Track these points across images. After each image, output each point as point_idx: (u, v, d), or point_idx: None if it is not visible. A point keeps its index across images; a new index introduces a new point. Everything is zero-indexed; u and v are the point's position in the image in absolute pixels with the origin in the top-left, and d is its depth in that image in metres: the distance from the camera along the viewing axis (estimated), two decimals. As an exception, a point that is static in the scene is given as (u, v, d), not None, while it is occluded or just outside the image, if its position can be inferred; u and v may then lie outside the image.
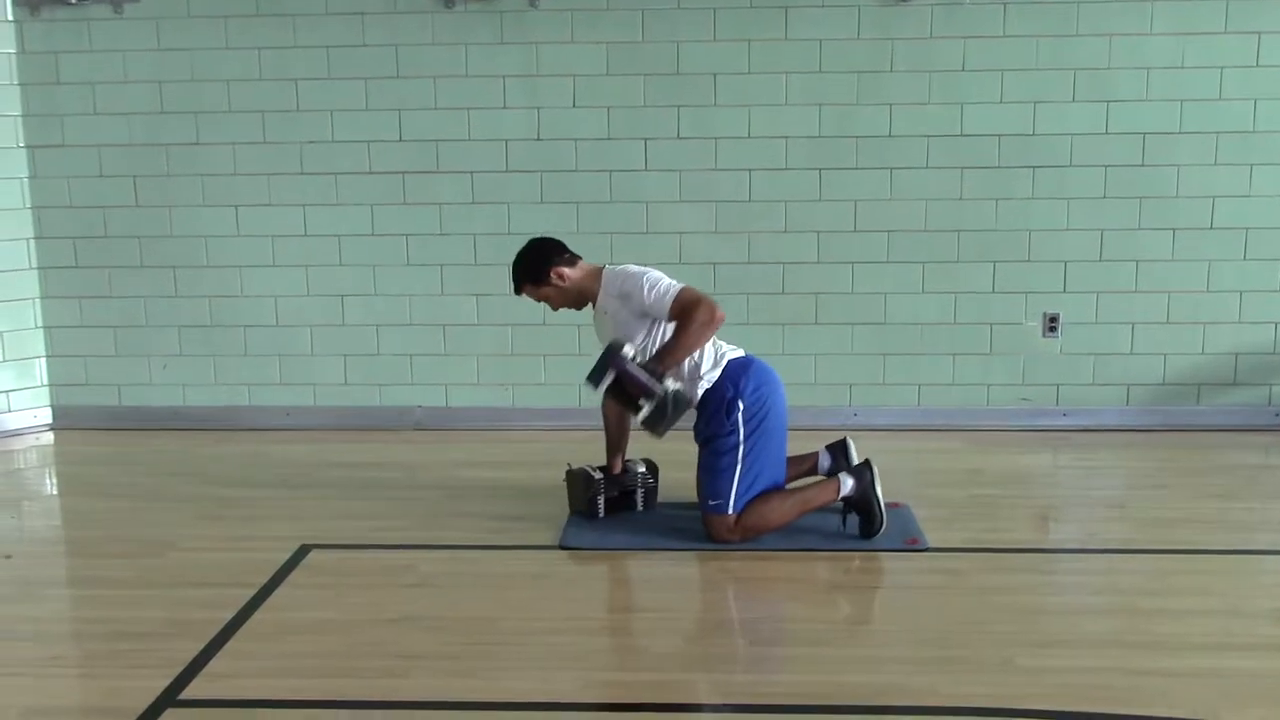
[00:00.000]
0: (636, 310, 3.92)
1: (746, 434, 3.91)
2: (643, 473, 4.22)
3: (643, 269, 3.98)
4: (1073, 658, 3.10)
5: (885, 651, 3.20)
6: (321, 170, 5.41)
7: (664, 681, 3.05)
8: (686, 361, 3.92)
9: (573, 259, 4.08)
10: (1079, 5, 5.12)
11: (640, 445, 4.25)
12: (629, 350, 3.78)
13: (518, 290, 4.12)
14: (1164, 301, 5.35)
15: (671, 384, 3.74)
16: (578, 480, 4.17)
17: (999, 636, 3.24)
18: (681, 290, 3.86)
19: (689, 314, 3.79)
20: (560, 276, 4.03)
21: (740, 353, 4.06)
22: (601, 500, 4.15)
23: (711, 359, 3.96)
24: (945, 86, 5.21)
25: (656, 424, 3.74)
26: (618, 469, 4.22)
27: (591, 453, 4.31)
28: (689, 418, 3.89)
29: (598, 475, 4.15)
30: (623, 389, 3.76)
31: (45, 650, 3.26)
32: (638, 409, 3.75)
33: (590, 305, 4.11)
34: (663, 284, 3.88)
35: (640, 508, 4.25)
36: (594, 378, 3.79)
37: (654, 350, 3.90)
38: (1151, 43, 5.13)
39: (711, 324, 3.80)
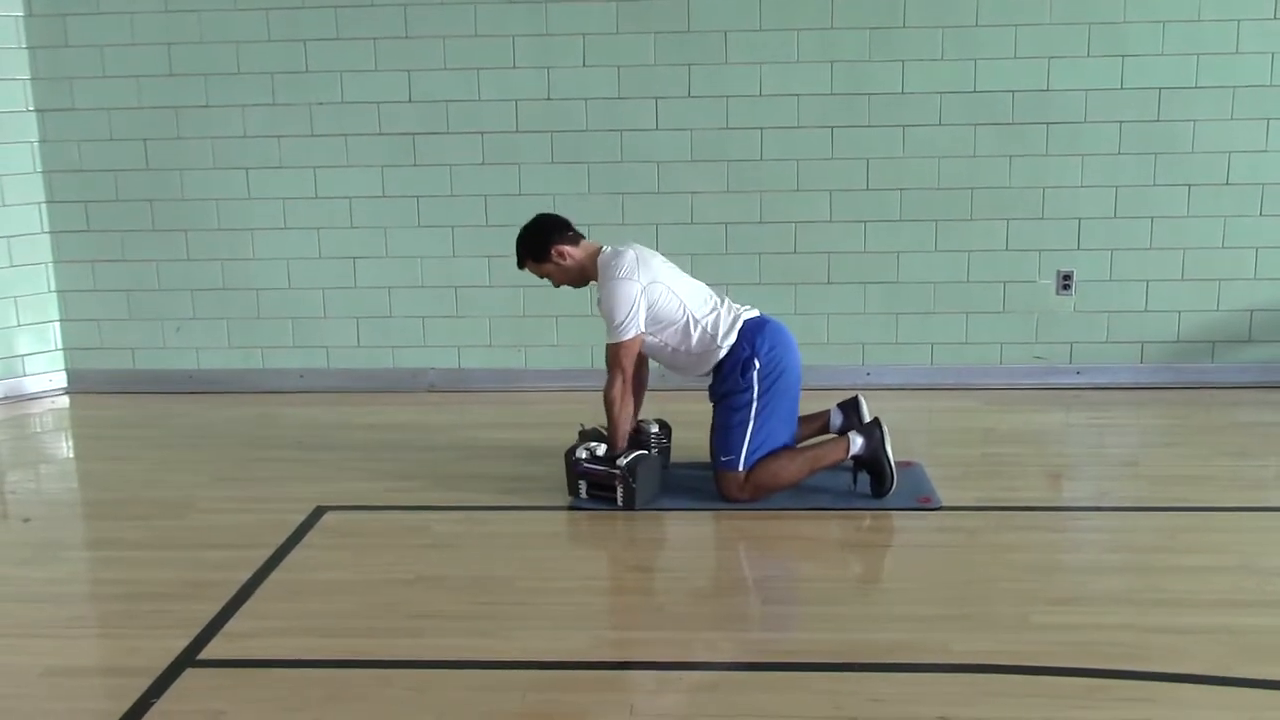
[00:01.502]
0: None
1: (760, 392, 3.92)
2: (656, 432, 4.22)
3: (619, 283, 3.92)
4: (1086, 615, 3.11)
5: (898, 609, 3.22)
6: (331, 132, 5.39)
7: (677, 640, 3.07)
8: (697, 333, 3.97)
9: (576, 237, 4.08)
10: (1094, -42, 5.06)
11: (653, 405, 4.26)
12: (582, 452, 3.99)
13: (520, 265, 4.14)
14: (1179, 258, 5.32)
15: (623, 460, 3.93)
16: (568, 455, 4.09)
17: (1012, 594, 3.25)
18: (616, 344, 3.94)
19: (610, 383, 3.98)
20: (562, 255, 4.04)
21: (755, 313, 4.07)
22: (584, 485, 4.01)
23: (727, 324, 3.98)
24: (958, 42, 5.16)
25: (633, 500, 3.92)
26: (620, 446, 4.07)
27: (602, 414, 4.31)
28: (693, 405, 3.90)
29: (582, 454, 4.01)
30: (598, 485, 3.97)
31: (65, 611, 3.30)
32: (615, 495, 3.93)
33: (594, 283, 4.11)
34: (615, 315, 3.92)
35: (620, 504, 4.01)
36: (571, 489, 4.02)
37: (673, 343, 4.01)
38: (1168, -5, 5.07)
39: (620, 400, 3.98)
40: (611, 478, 3.93)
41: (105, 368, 5.68)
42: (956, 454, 4.48)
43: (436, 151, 5.39)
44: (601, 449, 4.02)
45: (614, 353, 3.97)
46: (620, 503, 3.93)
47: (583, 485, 3.99)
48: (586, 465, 3.98)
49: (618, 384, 3.98)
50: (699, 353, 3.99)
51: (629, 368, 3.98)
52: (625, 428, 4.05)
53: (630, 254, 3.99)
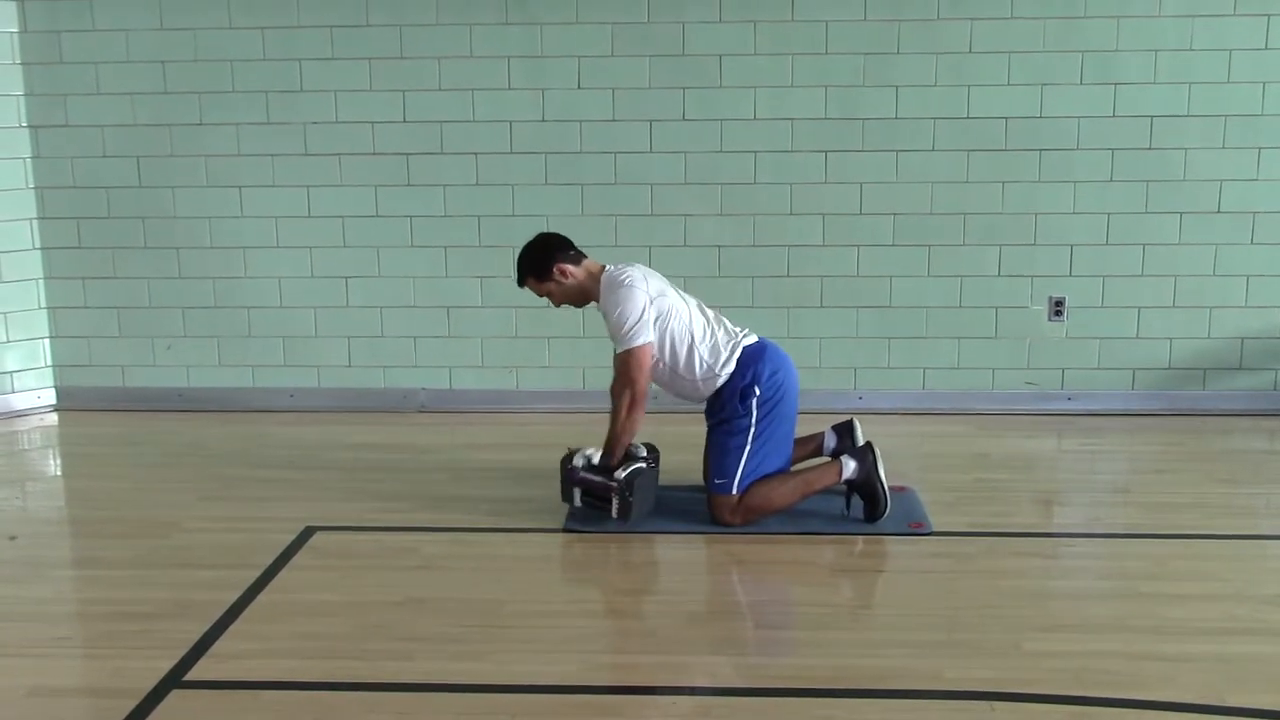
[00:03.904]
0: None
1: (759, 417, 3.92)
2: (644, 456, 4.20)
3: (626, 289, 3.91)
4: (1078, 642, 3.10)
5: (890, 635, 3.20)
6: (325, 151, 5.39)
7: (669, 664, 3.06)
8: (699, 364, 3.96)
9: (577, 256, 4.07)
10: (1087, -13, 5.10)
11: (647, 427, 4.24)
12: (579, 460, 3.98)
13: (521, 283, 4.12)
14: (1170, 285, 5.33)
15: (621, 473, 3.91)
16: (562, 467, 4.11)
17: (1004, 620, 3.24)
18: (628, 352, 3.90)
19: (619, 396, 3.95)
20: (563, 273, 4.02)
21: (754, 338, 4.06)
22: (577, 493, 4.01)
23: (726, 352, 3.97)
24: (952, 68, 5.18)
25: (627, 514, 3.91)
26: (618, 459, 4.09)
27: (596, 436, 4.30)
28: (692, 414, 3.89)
29: (578, 461, 4.02)
30: (593, 494, 3.97)
31: (50, 631, 3.27)
32: (609, 507, 3.92)
33: (594, 304, 4.10)
34: (623, 331, 3.89)
35: (615, 516, 4.01)
36: (565, 495, 4.03)
37: (673, 363, 3.98)
38: (1159, 25, 5.09)
39: (635, 409, 3.93)
40: (607, 489, 3.91)
41: (95, 385, 5.65)
42: (948, 479, 4.48)
43: (430, 172, 5.39)
44: (597, 457, 3.98)
45: (624, 362, 3.91)
46: (615, 514, 3.91)
47: (577, 493, 3.98)
48: (583, 474, 3.97)
49: (625, 395, 3.93)
50: (698, 378, 3.97)
51: (640, 380, 3.90)
52: (626, 440, 4.00)
53: (635, 269, 4.00)
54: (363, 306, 5.53)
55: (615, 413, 3.98)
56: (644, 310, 3.89)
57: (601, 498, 3.94)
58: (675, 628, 3.33)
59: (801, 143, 5.28)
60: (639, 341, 3.89)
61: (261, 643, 3.16)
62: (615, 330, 3.93)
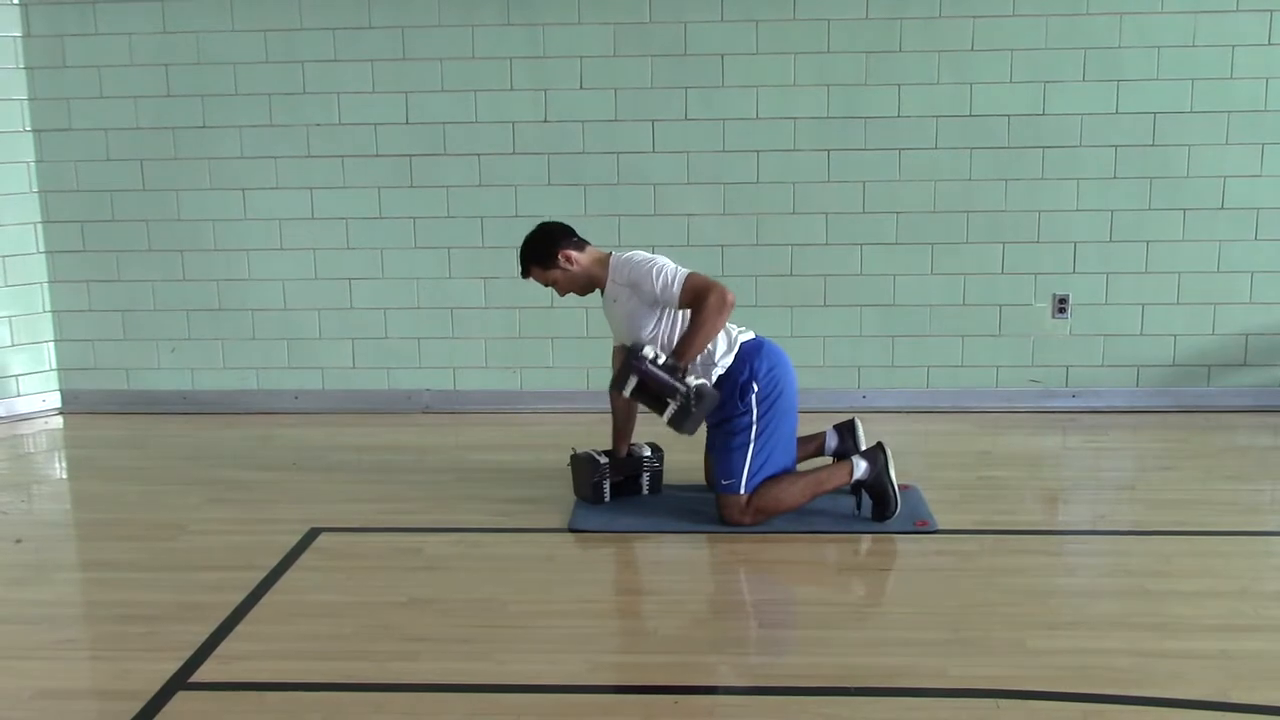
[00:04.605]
0: (647, 299, 3.90)
1: (759, 414, 3.91)
2: (648, 456, 4.21)
3: (649, 256, 3.96)
4: (1083, 639, 3.10)
5: (896, 634, 3.20)
6: (328, 153, 5.40)
7: (674, 664, 3.06)
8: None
9: (581, 243, 4.07)
10: (1089, -16, 5.09)
11: (645, 429, 4.24)
12: (649, 351, 3.78)
13: (525, 273, 4.12)
14: (1174, 282, 5.33)
15: (693, 380, 3.77)
16: (582, 465, 4.16)
17: (1009, 618, 3.24)
18: (689, 277, 3.85)
19: (701, 301, 3.78)
20: (568, 260, 4.02)
21: (751, 335, 4.06)
22: (607, 485, 4.12)
23: (725, 344, 3.96)
24: (954, 66, 5.18)
25: (682, 422, 3.78)
26: (624, 453, 4.21)
27: (600, 436, 4.31)
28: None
29: (603, 460, 4.13)
30: (647, 390, 3.78)
31: (56, 633, 3.28)
32: (664, 408, 3.77)
33: (599, 292, 4.09)
34: (669, 271, 3.87)
35: (646, 491, 4.23)
36: (618, 384, 3.83)
37: (667, 339, 3.91)
38: (1162, 21, 5.09)
39: (724, 309, 3.79)
40: (674, 389, 3.72)
41: (100, 388, 5.67)
42: (953, 477, 4.48)
43: (433, 173, 5.39)
44: (663, 359, 3.78)
45: (690, 283, 3.79)
46: (668, 419, 3.77)
47: (633, 381, 3.75)
48: (651, 367, 3.73)
49: (714, 294, 3.74)
50: (698, 366, 3.95)
51: (718, 284, 3.78)
52: (706, 343, 3.81)
53: (640, 253, 4.01)
54: (366, 308, 5.54)
55: (696, 313, 3.77)
56: (669, 262, 3.88)
57: (659, 398, 3.75)
58: (680, 627, 3.33)
59: (804, 142, 5.28)
60: (685, 274, 3.82)
61: (267, 644, 3.16)
62: (660, 288, 3.82)
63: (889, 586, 3.67)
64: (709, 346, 3.90)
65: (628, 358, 3.80)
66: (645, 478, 4.19)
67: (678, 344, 3.84)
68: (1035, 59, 5.15)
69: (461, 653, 3.09)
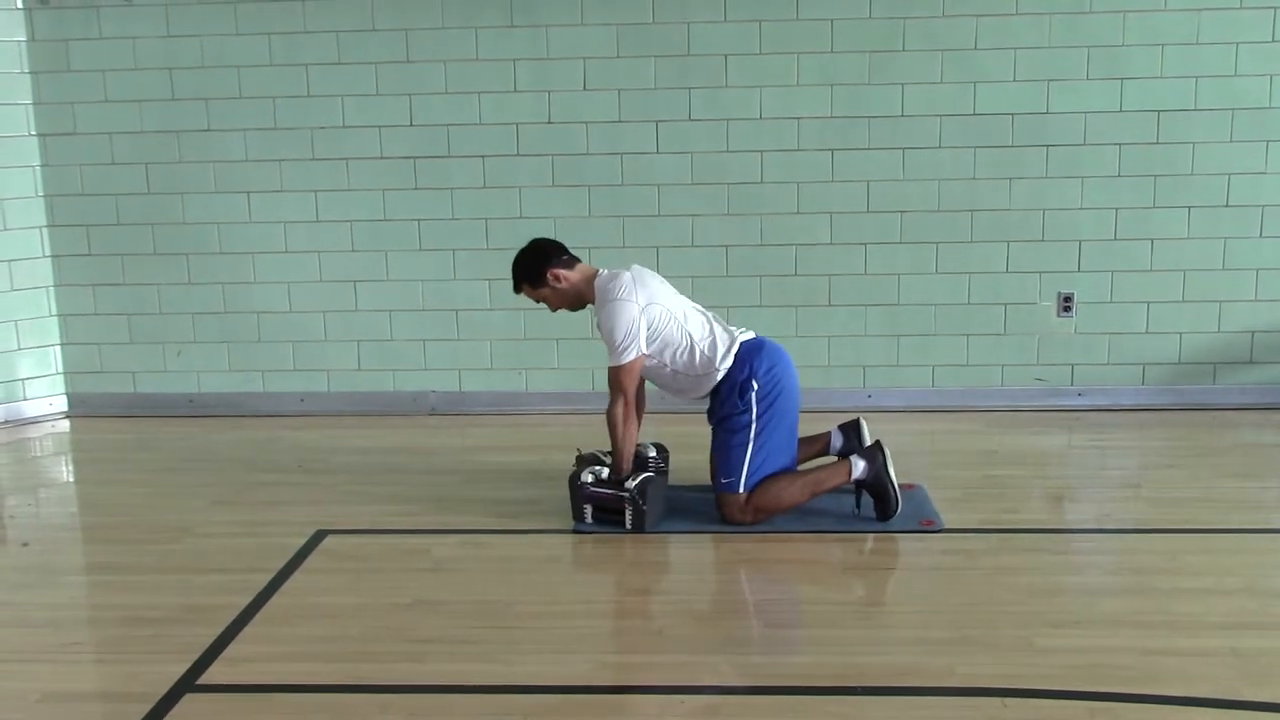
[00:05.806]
0: None
1: (759, 413, 3.92)
2: (653, 456, 4.20)
3: (616, 305, 3.92)
4: (1090, 638, 3.10)
5: (901, 633, 3.20)
6: (332, 156, 5.40)
7: (678, 664, 3.06)
8: (699, 359, 3.96)
9: (571, 261, 4.08)
10: (1092, -18, 5.09)
11: (651, 428, 4.25)
12: (588, 476, 3.96)
13: (516, 289, 4.14)
14: (1179, 280, 5.32)
15: (631, 483, 3.91)
16: (571, 482, 4.07)
17: (1015, 617, 3.24)
18: (618, 368, 3.92)
19: (613, 405, 3.95)
20: (557, 278, 4.04)
21: (751, 334, 4.07)
22: (589, 510, 3.97)
23: (724, 347, 3.97)
24: (957, 65, 5.18)
25: (642, 524, 3.91)
26: (624, 473, 4.04)
27: (604, 437, 4.30)
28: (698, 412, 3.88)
29: (586, 478, 3.99)
30: (606, 508, 3.94)
31: (63, 636, 3.28)
32: (623, 518, 3.92)
33: (591, 306, 4.10)
34: (615, 338, 3.90)
35: (629, 527, 4.02)
36: (576, 514, 3.99)
37: (673, 364, 3.99)
38: (1166, 18, 5.09)
39: (630, 419, 3.97)
40: (620, 501, 3.91)
41: (106, 391, 5.68)
42: (958, 476, 4.47)
43: (437, 175, 5.40)
44: (605, 472, 3.99)
45: (615, 375, 3.95)
46: (629, 525, 3.92)
47: (588, 510, 3.97)
48: (593, 489, 3.95)
49: (619, 406, 3.96)
50: (697, 375, 3.99)
51: (631, 389, 3.96)
52: (630, 450, 4.02)
53: (627, 276, 3.99)
54: (371, 310, 5.54)
55: (612, 428, 3.98)
56: (634, 326, 3.90)
57: (615, 510, 3.93)
58: (684, 627, 3.33)
59: (808, 141, 5.27)
60: (627, 359, 3.92)
61: (274, 646, 3.17)
62: (607, 344, 3.96)
63: (894, 586, 3.67)
64: (706, 351, 3.95)
65: (572, 490, 3.99)
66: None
67: (612, 459, 4.02)
68: (1038, 57, 5.15)
69: (467, 654, 3.09)
